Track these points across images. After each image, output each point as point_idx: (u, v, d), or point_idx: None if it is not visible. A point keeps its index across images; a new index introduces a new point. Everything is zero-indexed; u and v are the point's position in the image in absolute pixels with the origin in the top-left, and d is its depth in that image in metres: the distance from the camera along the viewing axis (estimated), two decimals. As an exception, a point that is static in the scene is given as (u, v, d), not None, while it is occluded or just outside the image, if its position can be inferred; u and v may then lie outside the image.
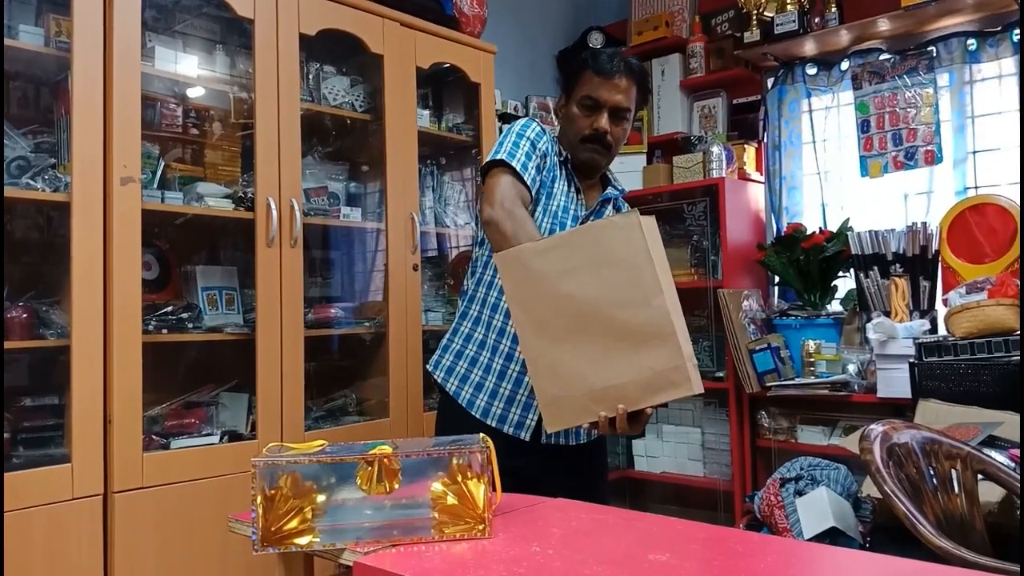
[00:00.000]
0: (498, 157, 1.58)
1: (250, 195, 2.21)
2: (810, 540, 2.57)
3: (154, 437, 2.08)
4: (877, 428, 1.92)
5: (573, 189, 1.74)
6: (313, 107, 2.48)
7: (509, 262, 1.39)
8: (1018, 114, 2.90)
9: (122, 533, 1.88)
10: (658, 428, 3.44)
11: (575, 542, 1.06)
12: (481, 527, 1.11)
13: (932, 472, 1.90)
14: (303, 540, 1.09)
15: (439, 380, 1.75)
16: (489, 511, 1.11)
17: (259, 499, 1.08)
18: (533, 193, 1.61)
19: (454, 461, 1.14)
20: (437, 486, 1.14)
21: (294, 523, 1.09)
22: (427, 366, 1.81)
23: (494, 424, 1.64)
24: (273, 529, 1.09)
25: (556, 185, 1.70)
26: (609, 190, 1.77)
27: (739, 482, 3.12)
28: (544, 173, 1.67)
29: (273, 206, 2.20)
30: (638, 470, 3.48)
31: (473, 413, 1.66)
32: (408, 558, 1.01)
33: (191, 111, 2.34)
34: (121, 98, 1.94)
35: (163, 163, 2.21)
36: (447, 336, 1.79)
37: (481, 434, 1.19)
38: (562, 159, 1.73)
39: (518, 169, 1.56)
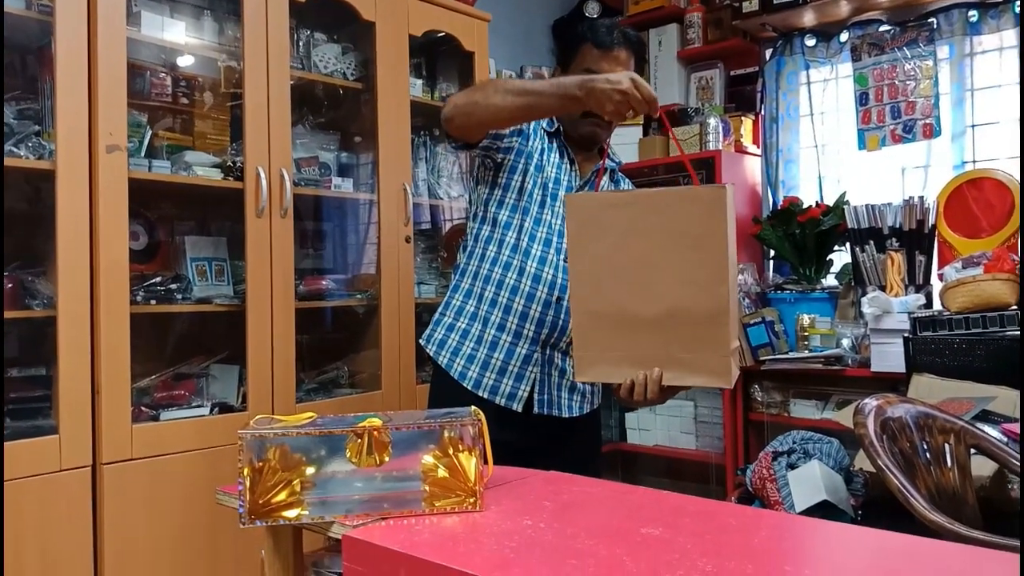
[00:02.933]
0: None
1: (239, 165, 2.17)
2: (802, 513, 2.59)
3: (143, 408, 2.06)
4: (871, 402, 1.91)
5: (567, 160, 1.71)
6: (304, 75, 2.43)
7: (578, 205, 1.37)
8: (1018, 87, 2.87)
9: (111, 505, 1.87)
10: (651, 401, 3.44)
11: (567, 515, 1.05)
12: (472, 500, 1.10)
13: (925, 446, 1.90)
14: (291, 513, 1.07)
15: (431, 353, 1.73)
16: (480, 484, 1.10)
17: (246, 471, 1.06)
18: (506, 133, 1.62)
19: (445, 434, 1.12)
20: (428, 459, 1.12)
21: (282, 496, 1.08)
22: (419, 340, 1.79)
23: (486, 396, 1.62)
24: (261, 502, 1.08)
25: (545, 156, 1.68)
26: (606, 161, 1.74)
27: (731, 455, 3.13)
28: (525, 139, 1.67)
29: (263, 176, 2.16)
30: (631, 443, 3.49)
31: (465, 385, 1.64)
32: (397, 532, 1.00)
33: (179, 79, 2.29)
34: (106, 64, 1.89)
35: (151, 132, 2.17)
36: (439, 310, 1.77)
37: (473, 407, 1.17)
38: (552, 130, 1.70)
39: None
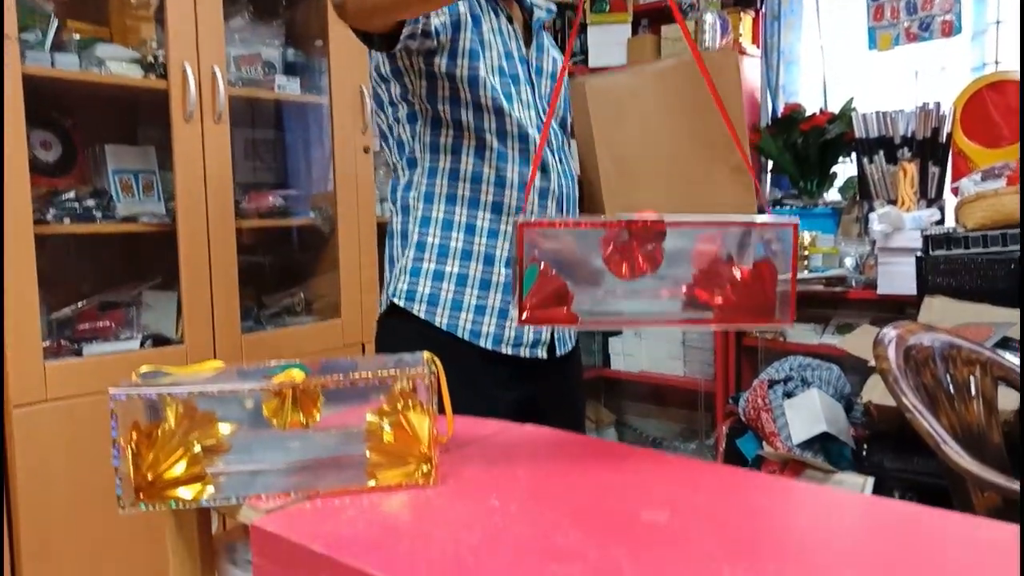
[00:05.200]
0: None
1: (162, 60, 1.85)
2: (799, 445, 2.41)
3: (63, 343, 1.80)
4: (890, 332, 1.68)
5: (503, 19, 1.32)
6: (240, -45, 2.09)
7: (599, 92, 1.28)
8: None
9: (24, 452, 1.63)
10: (636, 325, 3.23)
11: (546, 492, 0.82)
12: (426, 470, 0.86)
13: (950, 379, 1.69)
14: (188, 492, 0.83)
15: (420, 315, 1.28)
16: (435, 450, 0.86)
17: (124, 440, 0.81)
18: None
19: (395, 386, 0.88)
20: (371, 416, 0.88)
21: (178, 470, 0.83)
22: (393, 298, 1.31)
23: (509, 351, 1.30)
24: (151, 478, 0.83)
25: (484, 27, 1.27)
26: (537, 12, 1.37)
27: (722, 383, 2.93)
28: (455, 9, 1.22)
29: (191, 73, 1.85)
30: (614, 369, 3.29)
31: (481, 344, 1.29)
32: (324, 519, 0.76)
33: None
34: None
35: (56, 22, 1.83)
36: (408, 253, 1.32)
37: (427, 352, 0.92)
38: None
39: None
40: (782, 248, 0.91)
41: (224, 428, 0.90)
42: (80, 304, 1.89)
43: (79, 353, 1.80)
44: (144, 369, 0.87)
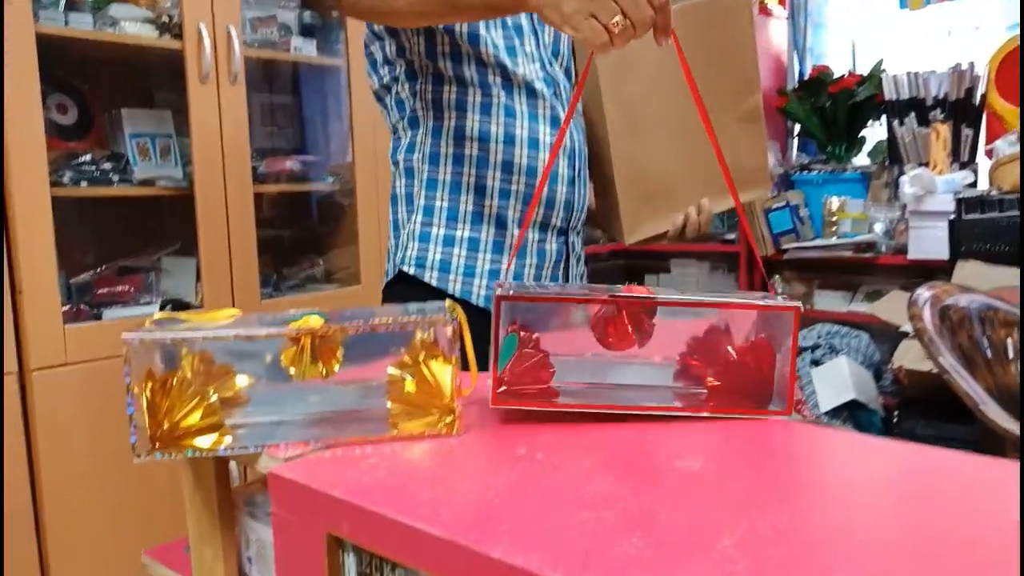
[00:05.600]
0: None
1: (177, 20, 1.81)
2: (827, 413, 2.37)
3: (83, 308, 1.79)
4: (925, 292, 1.64)
5: None
6: (255, -87, 2.04)
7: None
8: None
9: (44, 414, 1.62)
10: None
11: (575, 443, 0.79)
12: (449, 420, 0.83)
13: (987, 341, 1.64)
14: (206, 440, 0.80)
15: (433, 282, 1.23)
16: (459, 400, 0.83)
17: (139, 389, 0.79)
18: None
19: (417, 336, 0.85)
20: (391, 369, 0.85)
21: (194, 418, 0.81)
22: (402, 265, 1.24)
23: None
24: (167, 426, 0.81)
25: None
26: None
27: (747, 352, 2.88)
28: None
29: (206, 34, 1.81)
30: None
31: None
32: (344, 467, 0.74)
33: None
34: None
35: (71, -19, 1.80)
36: (415, 218, 1.25)
37: (448, 301, 0.89)
38: None
39: None
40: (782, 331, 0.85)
41: (242, 380, 0.87)
42: (100, 269, 1.88)
43: (98, 317, 1.78)
44: (158, 316, 0.85)
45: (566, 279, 1.32)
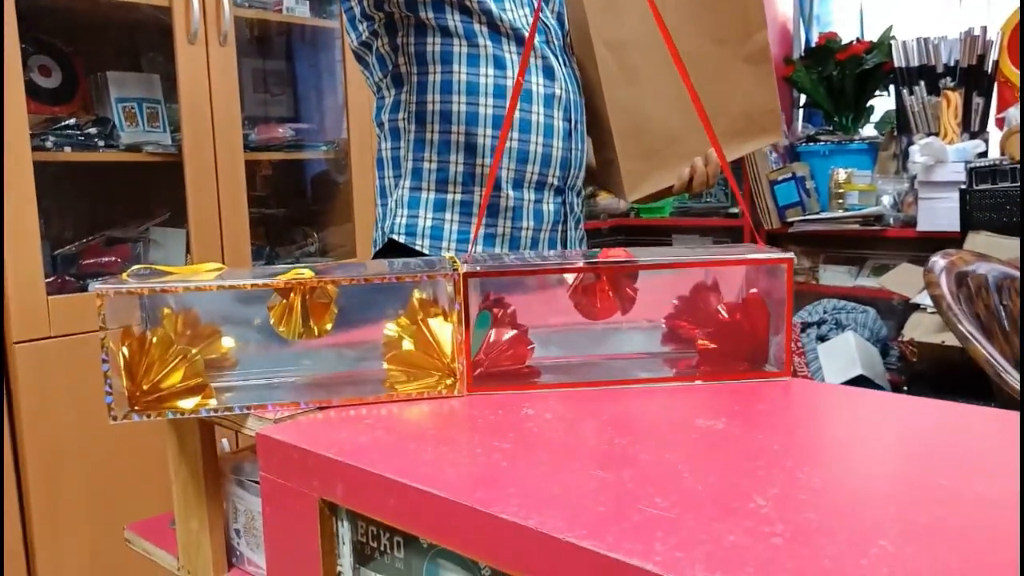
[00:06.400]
0: None
1: (163, -23, 1.74)
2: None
3: (67, 279, 1.73)
4: (940, 260, 1.58)
5: None
6: None
7: None
8: None
9: (27, 388, 1.56)
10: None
11: (585, 404, 0.73)
12: (450, 382, 0.78)
13: (1004, 311, 1.59)
14: (188, 402, 0.75)
15: (425, 250, 1.17)
16: (462, 359, 0.77)
17: (115, 346, 0.73)
18: None
19: (412, 293, 0.79)
20: (388, 327, 0.79)
21: (175, 378, 0.75)
22: (391, 234, 1.18)
23: None
24: (146, 387, 0.75)
25: None
26: None
27: (750, 328, 2.83)
28: None
29: (193, -9, 1.74)
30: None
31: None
32: (337, 427, 0.68)
33: None
34: None
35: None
36: (403, 183, 1.18)
37: (450, 255, 0.83)
38: None
39: None
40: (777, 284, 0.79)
41: (228, 342, 0.82)
42: (87, 240, 1.81)
43: (84, 289, 1.72)
44: (135, 268, 0.79)
45: (564, 243, 1.25)
